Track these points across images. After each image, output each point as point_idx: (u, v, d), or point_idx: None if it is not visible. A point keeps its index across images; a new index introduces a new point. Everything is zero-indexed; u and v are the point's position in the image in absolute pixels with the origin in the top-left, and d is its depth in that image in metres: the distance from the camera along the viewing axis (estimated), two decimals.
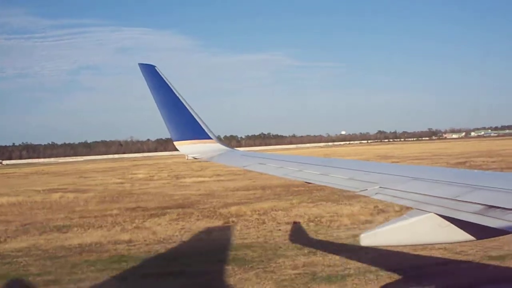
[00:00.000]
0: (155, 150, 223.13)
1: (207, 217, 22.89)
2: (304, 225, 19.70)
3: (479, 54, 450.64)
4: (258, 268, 13.71)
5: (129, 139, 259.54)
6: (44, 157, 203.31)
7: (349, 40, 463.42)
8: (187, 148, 9.35)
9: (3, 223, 23.66)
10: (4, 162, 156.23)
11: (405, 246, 10.68)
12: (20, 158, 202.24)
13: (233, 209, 24.66)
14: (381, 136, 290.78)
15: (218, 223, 21.01)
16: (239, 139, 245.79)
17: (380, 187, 5.29)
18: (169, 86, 9.29)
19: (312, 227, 19.36)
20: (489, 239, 4.64)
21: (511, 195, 4.03)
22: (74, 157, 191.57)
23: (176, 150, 9.49)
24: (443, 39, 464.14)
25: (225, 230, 19.28)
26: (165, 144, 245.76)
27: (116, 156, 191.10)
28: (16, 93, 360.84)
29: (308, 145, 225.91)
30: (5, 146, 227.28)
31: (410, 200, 4.67)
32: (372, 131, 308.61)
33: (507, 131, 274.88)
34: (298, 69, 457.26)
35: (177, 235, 18.73)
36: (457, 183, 4.77)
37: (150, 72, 9.31)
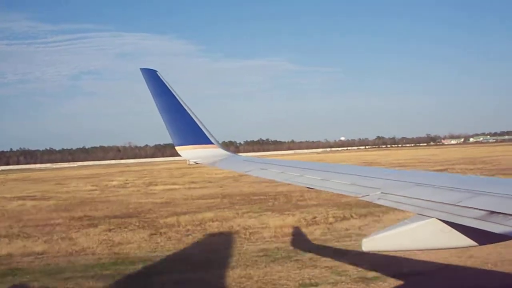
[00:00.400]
0: (153, 156, 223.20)
1: (141, 227, 22.52)
2: (222, 238, 19.27)
3: (480, 58, 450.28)
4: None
5: (127, 145, 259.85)
6: (42, 163, 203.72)
7: (349, 45, 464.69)
8: (189, 153, 9.34)
9: None
10: None
11: (406, 251, 10.39)
12: (18, 164, 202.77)
13: (173, 219, 24.32)
14: (380, 142, 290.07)
15: (144, 234, 20.57)
16: (238, 144, 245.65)
17: (382, 193, 5.30)
18: (170, 91, 9.31)
19: (227, 240, 18.91)
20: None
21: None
22: (72, 162, 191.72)
23: (176, 155, 9.56)
24: (445, 43, 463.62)
25: (142, 243, 18.88)
26: (163, 150, 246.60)
27: (112, 162, 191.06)
28: (15, 98, 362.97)
29: (305, 151, 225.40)
30: (3, 151, 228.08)
31: (412, 205, 4.67)
32: (372, 137, 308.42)
33: (506, 137, 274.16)
34: (298, 74, 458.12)
35: (92, 247, 18.36)
36: (459, 188, 4.77)
37: (152, 76, 9.32)
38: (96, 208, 31.84)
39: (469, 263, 13.77)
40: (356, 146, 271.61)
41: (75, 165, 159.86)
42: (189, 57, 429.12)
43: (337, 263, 14.42)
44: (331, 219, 21.80)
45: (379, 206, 20.41)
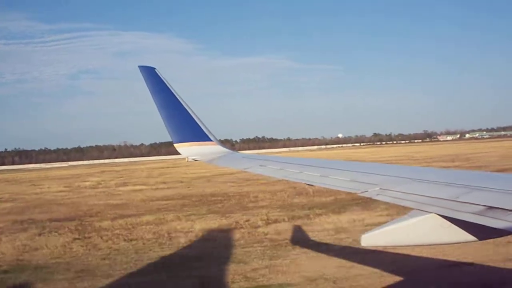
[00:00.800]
0: (148, 155, 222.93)
1: (72, 231, 22.33)
2: (135, 244, 19.03)
3: (478, 55, 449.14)
4: None
5: (122, 144, 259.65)
6: (37, 163, 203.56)
7: (347, 43, 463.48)
8: (188, 150, 9.37)
9: None
10: None
11: (405, 246, 10.84)
12: (13, 164, 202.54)
13: (110, 223, 24.24)
14: (375, 139, 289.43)
15: (68, 239, 20.32)
16: (234, 142, 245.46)
17: (381, 189, 5.33)
18: (169, 88, 9.30)
19: (138, 247, 18.63)
20: None
21: (510, 196, 4.07)
22: (64, 162, 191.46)
23: (172, 153, 9.95)
24: (444, 40, 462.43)
25: (57, 248, 18.57)
26: (158, 149, 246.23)
27: (106, 161, 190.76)
28: (13, 98, 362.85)
29: (300, 148, 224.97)
30: None
31: (411, 201, 4.69)
32: (369, 134, 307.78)
33: (502, 133, 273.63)
34: (296, 72, 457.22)
35: (4, 253, 18.27)
36: (457, 184, 4.80)
37: (150, 74, 9.31)
38: (48, 210, 31.79)
39: None
40: (352, 143, 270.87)
41: (66, 165, 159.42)
42: (188, 55, 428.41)
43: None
44: (260, 223, 21.62)
45: (323, 207, 20.23)
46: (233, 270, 14.27)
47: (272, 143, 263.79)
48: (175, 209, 28.97)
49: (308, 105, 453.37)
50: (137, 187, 47.14)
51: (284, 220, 22.15)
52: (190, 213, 26.51)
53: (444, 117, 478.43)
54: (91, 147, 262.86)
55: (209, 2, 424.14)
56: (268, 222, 21.80)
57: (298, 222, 21.47)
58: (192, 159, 9.38)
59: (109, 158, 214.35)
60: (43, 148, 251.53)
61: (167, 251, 17.45)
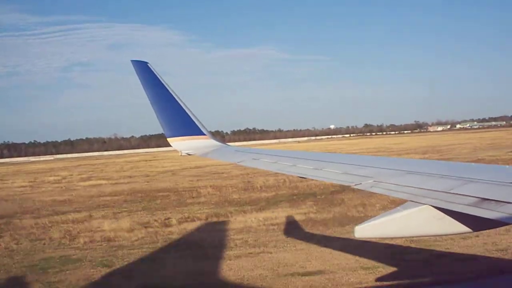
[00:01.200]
0: (138, 147, 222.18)
1: None
2: (38, 244, 18.97)
3: (470, 46, 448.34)
4: None
5: (113, 137, 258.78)
6: (26, 156, 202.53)
7: (340, 34, 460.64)
8: (181, 144, 9.38)
9: None
10: None
11: (399, 238, 10.95)
12: (1, 157, 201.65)
13: (35, 221, 24.15)
14: (366, 130, 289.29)
15: None
16: (224, 134, 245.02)
17: (375, 181, 5.35)
18: (162, 83, 9.31)
19: (33, 247, 18.55)
20: None
21: (503, 187, 4.11)
22: (51, 156, 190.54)
23: (164, 146, 9.82)
24: (436, 31, 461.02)
25: None
26: (148, 141, 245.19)
27: (96, 154, 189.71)
28: (3, 91, 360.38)
29: (289, 139, 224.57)
30: None
31: (405, 193, 4.70)
32: (360, 125, 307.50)
33: (493, 123, 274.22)
34: (289, 63, 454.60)
35: None
36: (450, 176, 4.83)
37: (143, 68, 9.30)
38: None
39: None
40: (342, 134, 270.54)
41: (52, 158, 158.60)
42: (180, 47, 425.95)
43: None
44: (176, 221, 21.69)
45: (255, 204, 19.75)
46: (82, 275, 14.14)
47: (263, 134, 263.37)
48: (114, 205, 29.08)
49: (301, 96, 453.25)
50: (98, 182, 47.25)
51: (202, 218, 22.10)
52: (122, 210, 26.62)
53: (436, 108, 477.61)
54: (81, 139, 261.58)
55: None
56: (185, 221, 21.79)
57: (214, 221, 21.45)
58: (186, 153, 9.42)
59: (99, 151, 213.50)
60: (32, 141, 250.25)
61: (55, 253, 17.34)
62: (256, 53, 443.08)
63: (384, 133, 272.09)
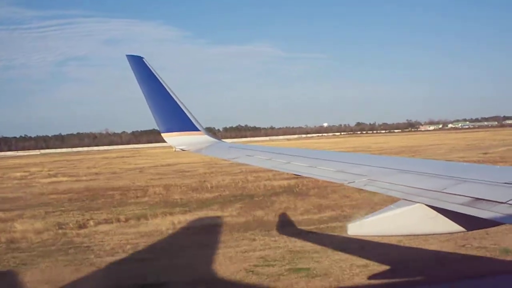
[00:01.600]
0: (128, 143, 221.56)
1: None
2: None
3: (464, 46, 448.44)
4: None
5: (104, 132, 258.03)
6: (17, 150, 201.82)
7: (336, 32, 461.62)
8: (175, 140, 9.35)
9: None
10: None
11: (392, 236, 10.59)
12: None
13: None
14: (357, 128, 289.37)
15: None
16: (216, 131, 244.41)
17: (369, 179, 5.34)
18: (157, 78, 9.25)
19: None
20: None
21: (495, 187, 4.11)
22: (39, 150, 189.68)
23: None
24: (432, 31, 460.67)
25: None
26: (139, 137, 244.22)
27: (85, 149, 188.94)
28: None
29: (280, 137, 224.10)
30: None
31: (398, 191, 4.67)
32: (353, 123, 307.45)
33: (485, 123, 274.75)
34: (284, 60, 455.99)
35: None
36: (444, 175, 4.84)
37: (138, 63, 9.22)
38: None
39: None
40: (333, 132, 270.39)
41: (38, 153, 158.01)
42: (176, 43, 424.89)
43: None
44: (92, 223, 21.68)
45: (191, 205, 19.46)
46: None
47: (255, 131, 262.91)
48: (55, 204, 28.96)
49: (295, 93, 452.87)
50: (61, 179, 47.14)
51: (123, 220, 21.84)
52: (58, 210, 26.57)
53: (431, 108, 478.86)
54: (72, 134, 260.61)
55: None
56: (106, 222, 21.58)
57: (131, 224, 21.08)
58: (180, 149, 9.36)
59: (89, 146, 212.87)
60: (23, 135, 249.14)
61: None
62: (251, 50, 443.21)
63: (375, 132, 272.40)
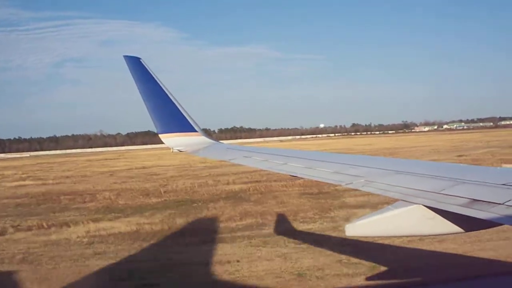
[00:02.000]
0: (122, 144, 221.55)
1: None
2: None
3: (461, 46, 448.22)
4: None
5: (98, 133, 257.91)
6: (10, 152, 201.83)
7: (333, 33, 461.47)
8: (172, 140, 9.31)
9: None
10: None
11: (390, 237, 10.99)
12: None
13: None
14: (352, 129, 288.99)
15: None
16: (211, 132, 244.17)
17: (366, 180, 5.31)
18: (154, 79, 9.21)
19: None
20: None
21: (493, 189, 4.09)
22: (36, 152, 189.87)
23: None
24: (429, 31, 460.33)
25: None
26: (134, 138, 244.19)
27: (79, 151, 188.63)
28: None
29: (274, 138, 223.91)
30: None
31: (396, 193, 4.64)
32: (349, 124, 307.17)
33: (480, 124, 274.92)
34: (280, 61, 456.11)
35: None
36: (442, 177, 4.82)
37: (135, 64, 9.18)
38: None
39: None
40: (328, 134, 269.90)
41: (28, 155, 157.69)
42: (173, 44, 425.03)
43: None
44: (11, 230, 21.54)
45: (125, 211, 19.87)
46: None
47: (249, 133, 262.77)
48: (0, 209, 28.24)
49: (291, 95, 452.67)
50: (27, 183, 47.26)
51: (43, 227, 21.65)
52: None
53: (427, 108, 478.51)
54: (66, 136, 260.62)
55: None
56: (28, 229, 21.25)
57: (47, 231, 21.02)
58: (177, 149, 9.32)
59: (83, 148, 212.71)
60: (17, 137, 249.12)
61: None
62: (248, 52, 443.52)
63: (369, 133, 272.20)
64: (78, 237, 19.20)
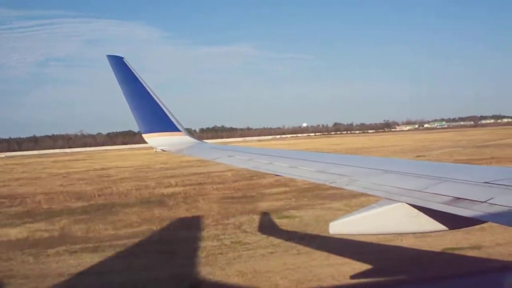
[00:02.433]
0: (102, 144, 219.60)
1: None
2: None
3: (446, 45, 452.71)
4: None
5: (79, 133, 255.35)
6: None
7: (319, 32, 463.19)
8: (156, 140, 9.29)
9: None
10: None
11: (374, 235, 10.78)
12: None
13: None
14: (334, 129, 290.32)
15: None
16: (192, 131, 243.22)
17: (350, 179, 5.33)
18: (137, 78, 9.17)
19: None
20: None
21: (476, 187, 4.15)
22: (14, 152, 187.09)
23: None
24: (426, 31, 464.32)
25: None
26: (115, 138, 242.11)
27: (56, 151, 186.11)
28: None
29: (254, 138, 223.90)
30: None
31: (380, 191, 4.66)
32: (331, 123, 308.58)
33: (461, 123, 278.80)
34: (265, 60, 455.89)
35: None
36: (426, 175, 4.88)
37: (119, 64, 9.13)
38: None
39: None
40: (308, 133, 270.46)
41: (3, 156, 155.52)
42: (156, 43, 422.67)
43: None
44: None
45: (39, 216, 22.79)
46: None
47: (231, 132, 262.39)
48: None
49: (275, 94, 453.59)
50: None
51: None
52: None
53: (409, 107, 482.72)
54: (46, 136, 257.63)
55: None
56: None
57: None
58: (161, 149, 9.30)
59: (63, 148, 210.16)
60: None
61: None
62: (233, 51, 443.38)
63: (349, 132, 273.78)
64: None
